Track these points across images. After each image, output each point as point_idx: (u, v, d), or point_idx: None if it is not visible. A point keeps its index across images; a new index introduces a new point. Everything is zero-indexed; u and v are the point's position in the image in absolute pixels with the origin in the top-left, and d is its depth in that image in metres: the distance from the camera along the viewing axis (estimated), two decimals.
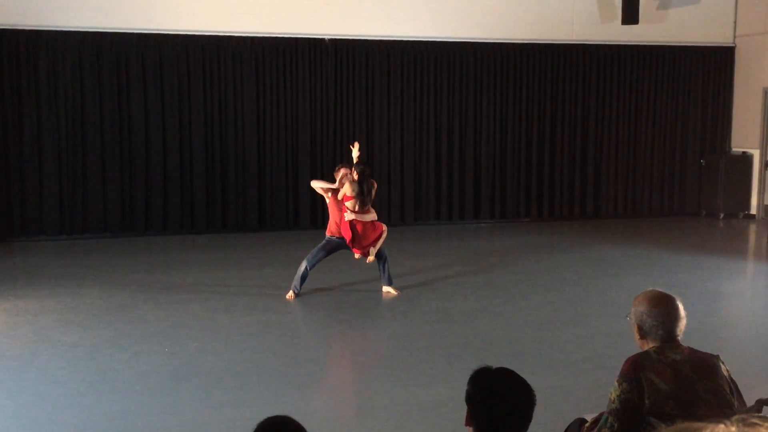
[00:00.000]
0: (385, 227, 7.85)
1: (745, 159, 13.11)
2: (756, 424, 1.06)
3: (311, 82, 11.71)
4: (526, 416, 2.50)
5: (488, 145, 12.54)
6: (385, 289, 7.90)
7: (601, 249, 10.49)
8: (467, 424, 2.56)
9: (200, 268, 9.25)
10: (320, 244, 7.81)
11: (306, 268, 7.66)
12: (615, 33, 12.69)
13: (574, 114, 12.90)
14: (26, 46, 10.62)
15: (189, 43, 11.19)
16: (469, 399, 2.56)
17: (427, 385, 5.39)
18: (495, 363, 2.67)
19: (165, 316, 7.05)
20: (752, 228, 12.57)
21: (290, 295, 7.68)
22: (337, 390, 5.65)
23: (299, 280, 7.67)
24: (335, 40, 11.75)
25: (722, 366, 3.03)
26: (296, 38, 11.58)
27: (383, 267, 7.88)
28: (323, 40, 11.72)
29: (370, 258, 7.77)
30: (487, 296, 7.89)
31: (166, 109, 11.20)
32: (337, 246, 7.78)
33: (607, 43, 12.83)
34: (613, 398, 2.95)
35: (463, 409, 2.59)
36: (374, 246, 7.71)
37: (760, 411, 3.30)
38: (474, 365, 2.66)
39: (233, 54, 11.37)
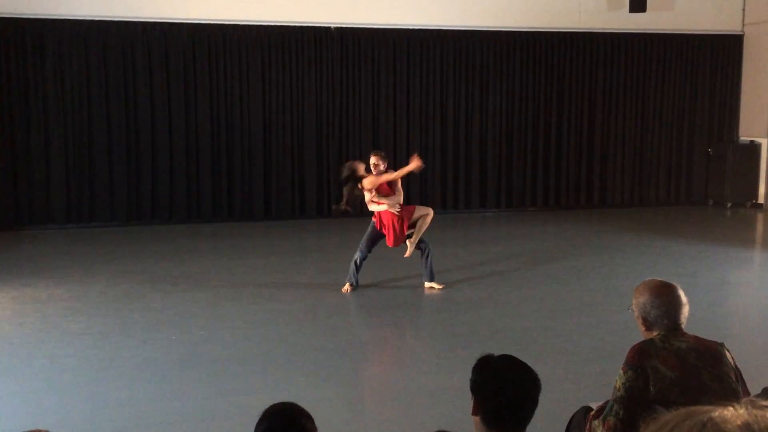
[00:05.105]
0: (430, 211, 7.59)
1: (753, 148, 13.05)
2: (765, 407, 1.05)
3: (317, 71, 11.69)
4: (532, 401, 2.49)
5: (494, 134, 12.51)
6: (427, 284, 7.62)
7: (607, 238, 10.48)
8: (474, 413, 2.54)
9: (206, 256, 9.27)
10: (367, 232, 7.52)
11: (357, 259, 7.44)
12: (622, 21, 12.62)
13: (581, 102, 12.85)
14: (32, 34, 10.62)
15: (195, 31, 11.18)
16: (475, 387, 2.54)
17: (432, 373, 5.40)
18: (500, 351, 2.65)
19: (171, 305, 7.08)
20: (759, 217, 12.52)
21: (346, 287, 7.48)
22: (342, 378, 5.66)
23: (354, 272, 7.46)
24: (341, 28, 11.73)
25: (727, 354, 3.03)
26: (302, 27, 11.55)
27: (425, 260, 7.56)
28: (329, 28, 11.69)
29: (408, 252, 7.53)
30: (492, 285, 7.89)
31: (172, 97, 11.20)
32: (381, 233, 7.50)
33: (615, 31, 12.77)
34: (618, 386, 2.95)
35: (468, 398, 2.59)
36: (410, 239, 7.44)
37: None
38: (479, 354, 2.65)
39: (239, 43, 11.36)
